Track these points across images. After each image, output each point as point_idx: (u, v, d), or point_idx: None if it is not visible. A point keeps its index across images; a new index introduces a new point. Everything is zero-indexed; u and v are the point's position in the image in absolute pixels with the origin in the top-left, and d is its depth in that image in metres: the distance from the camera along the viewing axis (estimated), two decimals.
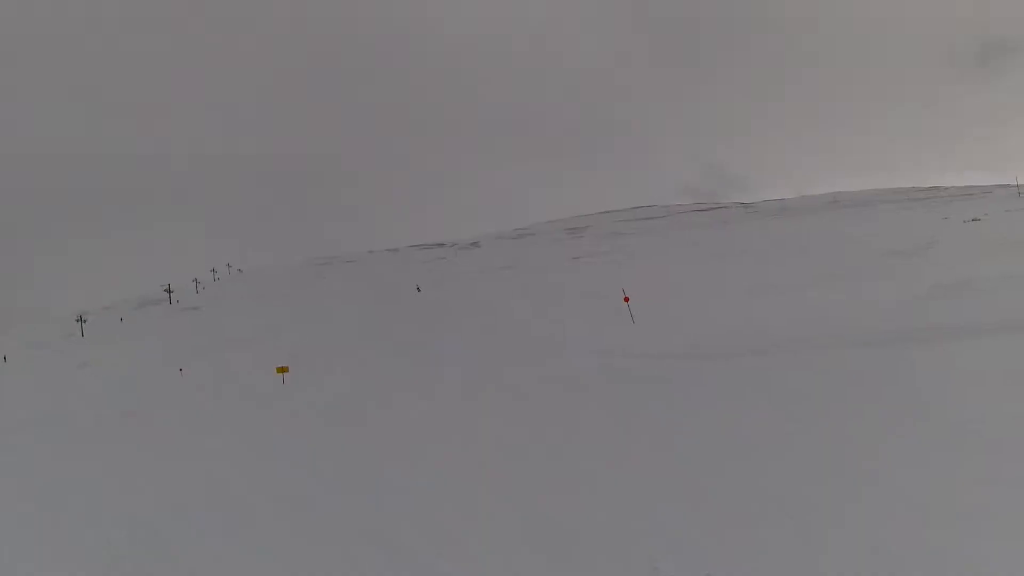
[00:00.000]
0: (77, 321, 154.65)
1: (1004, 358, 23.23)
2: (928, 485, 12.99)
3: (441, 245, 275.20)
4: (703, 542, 12.28)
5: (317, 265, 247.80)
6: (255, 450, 28.14)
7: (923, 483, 13.12)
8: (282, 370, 51.79)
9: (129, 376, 76.21)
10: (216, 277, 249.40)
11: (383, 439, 26.50)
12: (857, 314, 40.00)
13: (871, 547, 11.06)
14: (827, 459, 15.46)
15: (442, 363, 49.80)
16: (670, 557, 11.92)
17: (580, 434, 22.45)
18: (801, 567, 10.99)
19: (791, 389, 24.32)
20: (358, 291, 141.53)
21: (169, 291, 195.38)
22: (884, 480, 13.60)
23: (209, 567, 14.89)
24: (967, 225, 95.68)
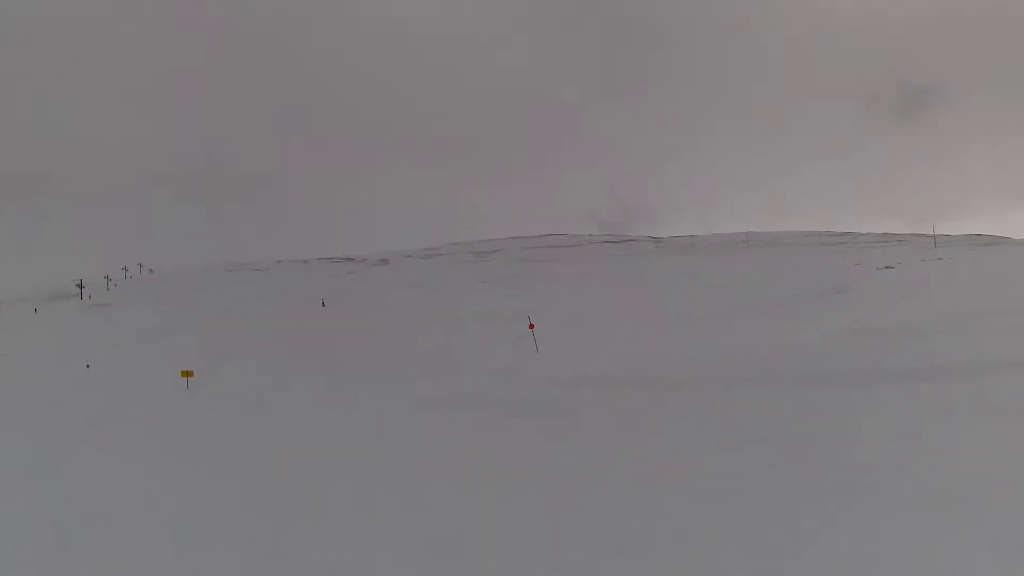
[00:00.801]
0: None
1: (904, 406, 23.50)
2: (833, 531, 13.06)
3: (351, 260, 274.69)
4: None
5: (227, 271, 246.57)
6: (151, 449, 28.23)
7: (830, 527, 13.19)
8: (187, 374, 51.64)
9: (35, 371, 75.53)
10: (128, 275, 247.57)
11: (287, 454, 26.47)
12: (760, 353, 40.35)
13: None
14: (728, 498, 15.54)
15: (347, 376, 49.95)
16: None
17: (485, 452, 22.62)
18: None
19: (695, 423, 24.52)
20: (267, 299, 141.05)
21: (81, 286, 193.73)
22: (790, 526, 13.66)
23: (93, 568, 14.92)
24: (880, 272, 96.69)
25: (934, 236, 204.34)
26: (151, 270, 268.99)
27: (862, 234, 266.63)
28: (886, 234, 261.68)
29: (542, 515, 15.21)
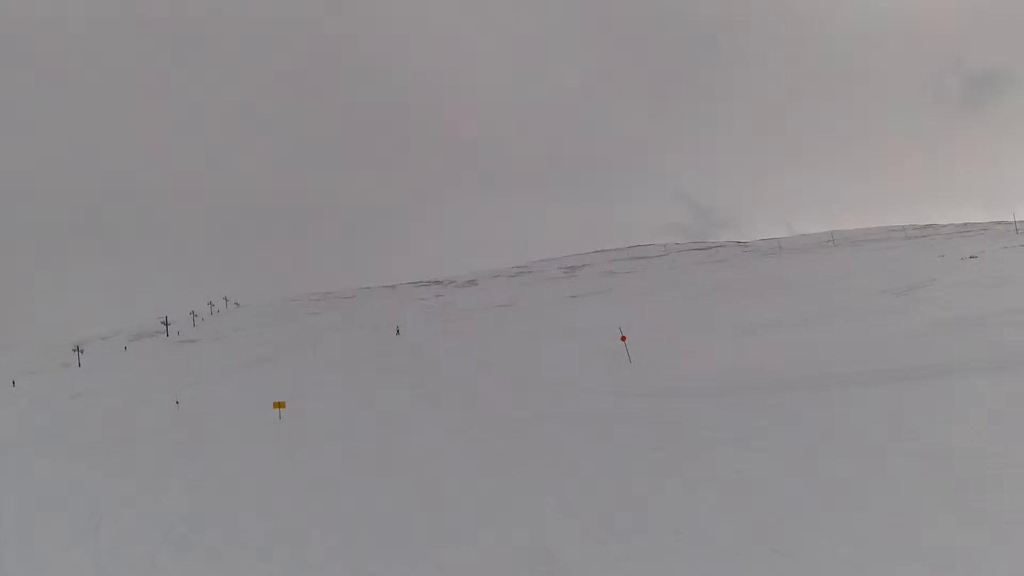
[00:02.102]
0: (74, 351, 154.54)
1: (1001, 395, 23.18)
2: (920, 522, 12.97)
3: (439, 283, 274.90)
4: None
5: (313, 301, 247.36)
6: (248, 486, 28.08)
7: (917, 520, 13.09)
8: (279, 405, 51.74)
9: (123, 406, 76.26)
10: (215, 310, 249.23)
11: (375, 476, 26.40)
12: (853, 353, 39.94)
13: None
14: (817, 499, 15.41)
15: (436, 400, 49.72)
16: None
17: (574, 472, 22.33)
18: None
19: (786, 430, 24.23)
20: (355, 327, 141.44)
21: (166, 323, 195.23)
22: (877, 518, 13.56)
23: None
24: (964, 262, 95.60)
25: (1015, 223, 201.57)
26: (237, 304, 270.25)
27: (943, 225, 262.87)
28: (967, 224, 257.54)
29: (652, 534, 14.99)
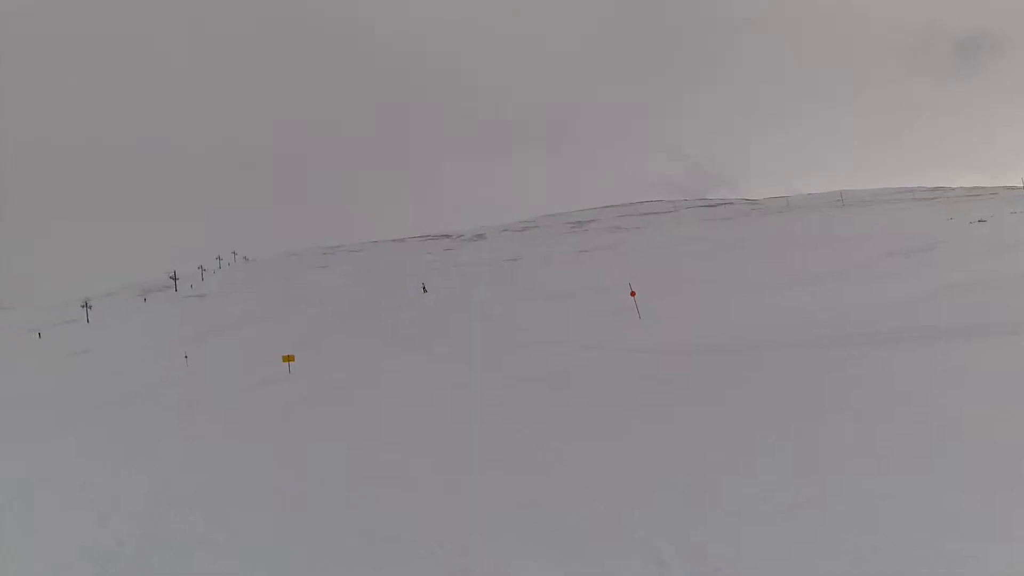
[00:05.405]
0: (82, 307, 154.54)
1: (1009, 359, 23.05)
2: (923, 487, 12.85)
3: (447, 236, 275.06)
4: (705, 536, 12.17)
5: (322, 254, 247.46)
6: (253, 439, 28.08)
7: (919, 484, 12.97)
8: (288, 359, 51.82)
9: (131, 362, 76.44)
10: (224, 264, 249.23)
11: (380, 430, 26.36)
12: (861, 313, 39.68)
13: (871, 547, 10.96)
14: (824, 458, 15.28)
15: (443, 357, 49.75)
16: (674, 550, 11.82)
17: (581, 427, 22.23)
18: (803, 564, 10.91)
19: (793, 387, 24.11)
20: (364, 280, 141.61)
21: (175, 278, 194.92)
22: (882, 483, 13.44)
23: (201, 552, 14.89)
24: (973, 226, 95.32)
25: None
26: (245, 258, 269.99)
27: (952, 188, 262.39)
28: (976, 187, 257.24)
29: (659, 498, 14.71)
